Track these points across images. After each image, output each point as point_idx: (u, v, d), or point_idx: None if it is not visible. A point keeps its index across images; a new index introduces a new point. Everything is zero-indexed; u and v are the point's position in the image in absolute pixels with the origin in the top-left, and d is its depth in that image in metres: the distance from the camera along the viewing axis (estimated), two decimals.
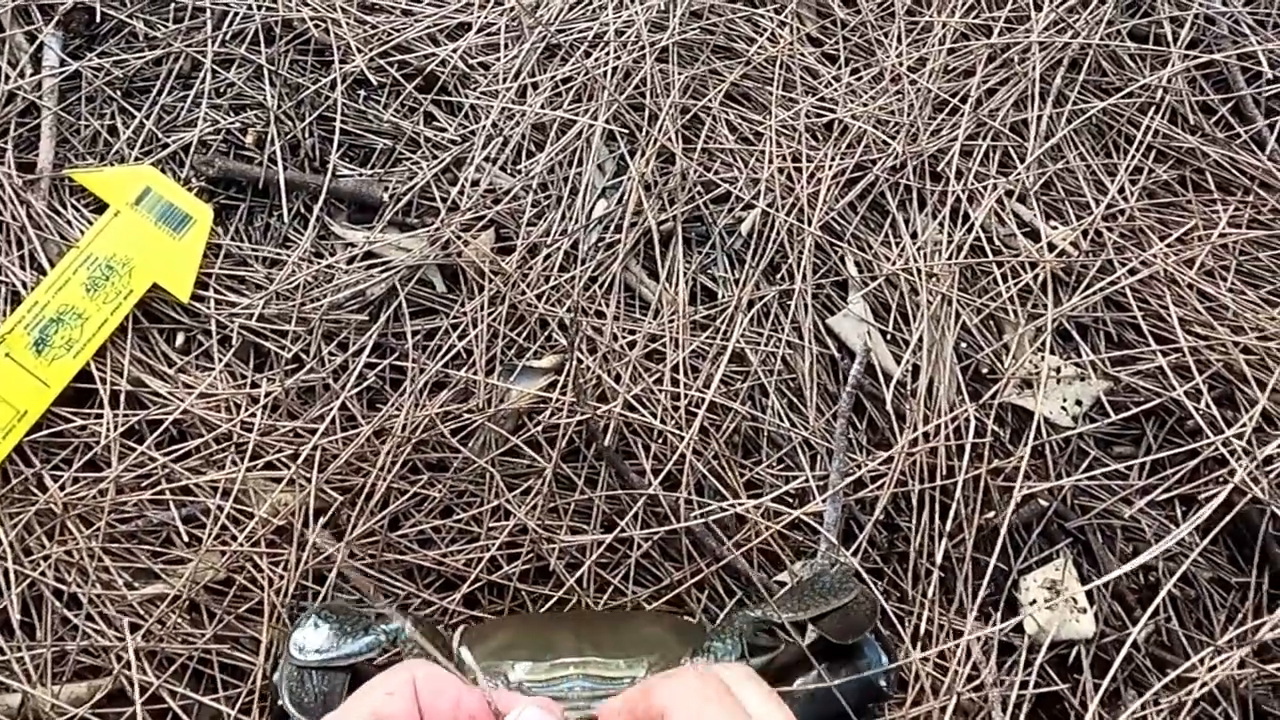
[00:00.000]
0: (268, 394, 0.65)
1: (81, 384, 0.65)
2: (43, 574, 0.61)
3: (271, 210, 0.71)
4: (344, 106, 0.73)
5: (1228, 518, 0.64)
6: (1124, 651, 0.61)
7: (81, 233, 0.69)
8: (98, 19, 0.75)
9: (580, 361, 0.66)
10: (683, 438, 0.64)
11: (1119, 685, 0.62)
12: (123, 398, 0.65)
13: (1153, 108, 0.75)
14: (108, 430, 0.64)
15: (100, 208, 0.70)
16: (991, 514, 0.64)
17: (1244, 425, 0.65)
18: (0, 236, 0.68)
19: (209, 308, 0.67)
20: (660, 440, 0.65)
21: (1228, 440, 0.65)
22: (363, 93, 0.74)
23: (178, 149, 0.72)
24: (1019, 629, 0.62)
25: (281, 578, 0.62)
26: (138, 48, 0.75)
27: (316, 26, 0.75)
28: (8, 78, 0.72)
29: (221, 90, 0.74)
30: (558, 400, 0.65)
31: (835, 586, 0.51)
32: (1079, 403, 0.68)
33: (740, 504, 0.63)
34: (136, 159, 0.72)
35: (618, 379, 0.66)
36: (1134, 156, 0.74)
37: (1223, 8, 0.78)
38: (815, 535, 0.63)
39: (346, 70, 0.74)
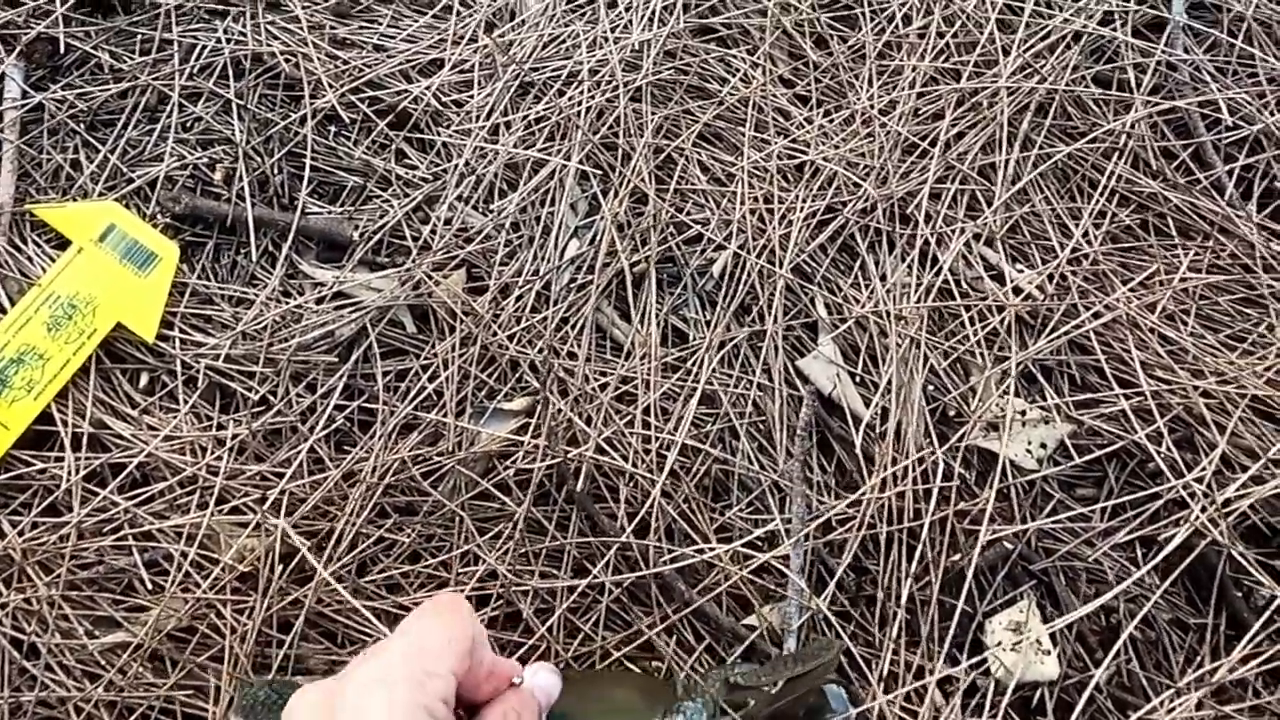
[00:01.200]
0: (234, 436, 0.64)
1: (42, 426, 0.64)
2: None
3: (239, 248, 0.70)
4: (314, 143, 0.73)
5: (1187, 560, 0.65)
6: (1087, 693, 0.62)
7: (43, 270, 0.67)
8: (61, 50, 0.74)
9: (551, 404, 0.66)
10: (654, 481, 0.64)
11: None
12: (85, 440, 0.64)
13: (1116, 153, 0.77)
14: (69, 474, 0.63)
15: (63, 244, 0.68)
16: (957, 556, 0.65)
17: (1204, 469, 0.67)
18: None
19: (174, 348, 0.66)
20: (631, 484, 0.65)
21: (1188, 483, 0.66)
22: (333, 129, 0.74)
23: (143, 184, 0.71)
24: (985, 672, 0.63)
25: (246, 625, 0.61)
26: (103, 80, 0.74)
27: (287, 61, 0.74)
28: None
29: (189, 125, 0.73)
30: (529, 443, 0.65)
31: (814, 651, 0.51)
32: (1043, 445, 0.69)
33: (710, 549, 0.63)
34: (101, 194, 0.71)
35: (589, 421, 0.66)
36: (1098, 201, 0.75)
37: (1184, 55, 0.80)
38: (784, 578, 0.64)
39: (317, 106, 0.73)
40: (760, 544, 0.65)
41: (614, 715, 0.46)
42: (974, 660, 0.64)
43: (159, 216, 0.70)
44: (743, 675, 0.51)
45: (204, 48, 0.75)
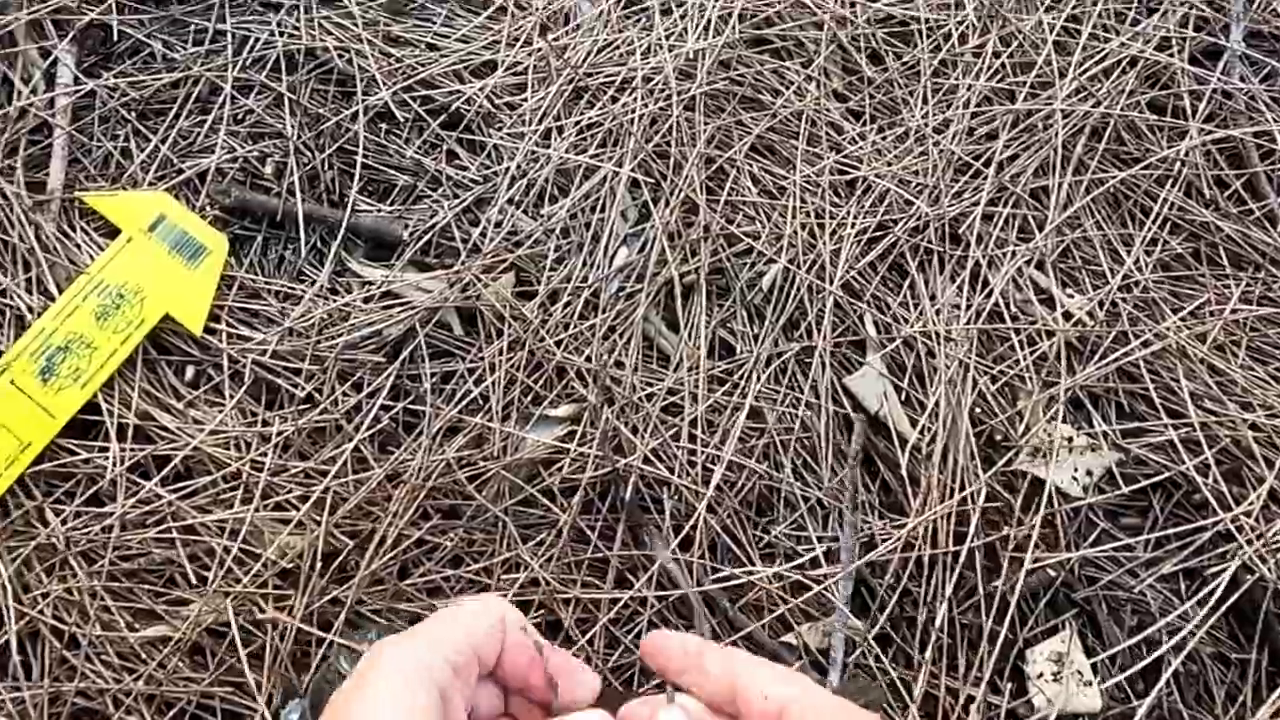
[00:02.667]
0: (279, 433, 0.64)
1: (87, 415, 0.64)
2: (41, 612, 0.60)
3: (288, 243, 0.70)
4: (365, 140, 0.72)
5: (1234, 596, 0.65)
6: None
7: (91, 258, 0.67)
8: (114, 37, 0.74)
9: (600, 412, 0.65)
10: (699, 494, 0.64)
11: None
12: (130, 431, 0.63)
13: (1169, 180, 0.76)
14: (113, 464, 0.63)
15: (112, 233, 0.68)
16: (1000, 582, 0.65)
17: (1251, 503, 0.66)
18: (6, 258, 0.66)
19: (221, 341, 0.66)
20: (676, 496, 0.65)
21: (1235, 517, 0.66)
22: (385, 126, 0.74)
23: (193, 175, 0.71)
24: (1027, 702, 0.62)
25: (286, 622, 0.61)
26: (155, 69, 0.73)
27: (340, 56, 0.74)
28: (20, 94, 0.71)
29: (240, 117, 0.73)
30: (575, 451, 0.64)
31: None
32: (1090, 473, 0.68)
33: (755, 573, 0.63)
34: (151, 184, 0.70)
35: (635, 431, 0.66)
36: (1150, 228, 0.75)
37: (1240, 84, 0.79)
38: (823, 599, 0.63)
39: (369, 103, 0.73)
40: (800, 558, 0.65)
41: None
42: (1013, 687, 0.63)
43: (208, 208, 0.70)
44: None
45: (257, 40, 0.74)
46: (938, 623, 0.63)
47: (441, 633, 0.38)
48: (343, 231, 0.69)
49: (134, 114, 0.72)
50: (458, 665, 0.37)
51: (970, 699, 0.63)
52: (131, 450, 0.63)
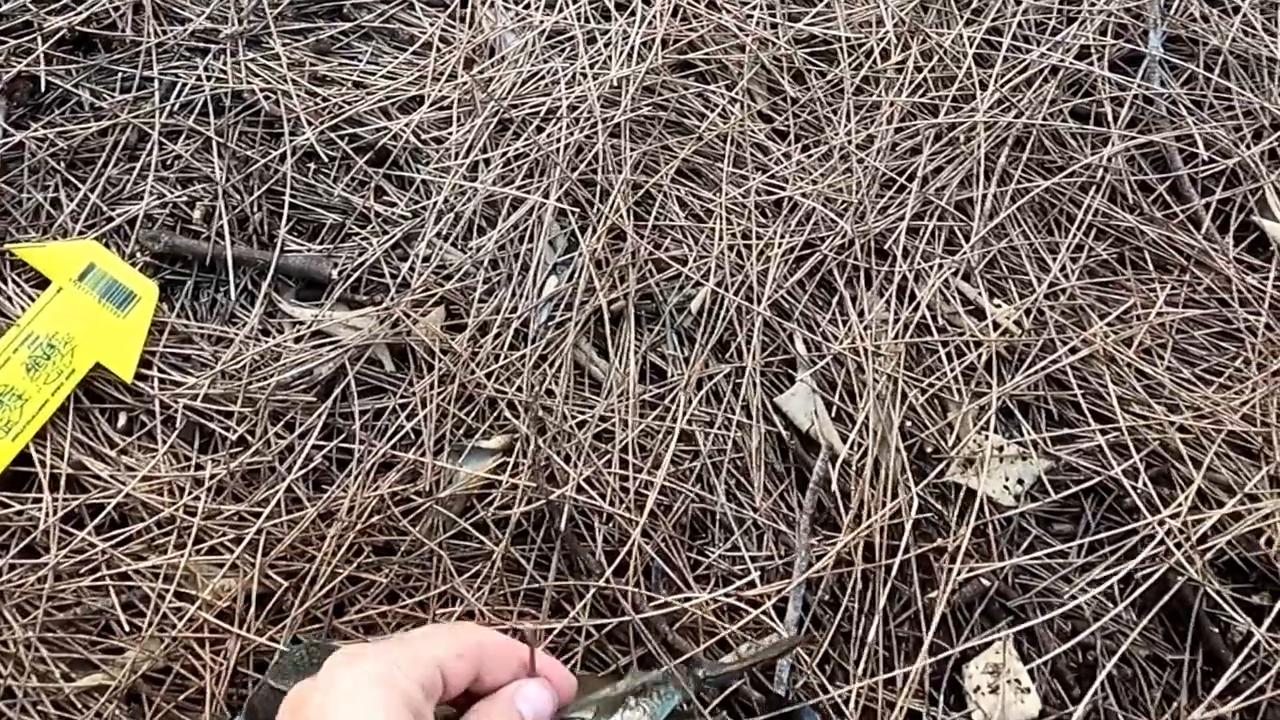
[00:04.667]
0: (212, 476, 0.65)
1: (20, 467, 0.64)
2: None
3: (218, 286, 0.71)
4: (293, 180, 0.73)
5: (1165, 598, 0.65)
6: None
7: (22, 309, 0.68)
8: (42, 88, 0.74)
9: (531, 442, 0.66)
10: (633, 520, 0.65)
11: None
12: (63, 481, 0.64)
13: (1093, 186, 0.77)
14: (47, 515, 0.63)
15: (42, 284, 0.69)
16: (934, 594, 0.65)
17: (1179, 504, 0.67)
18: None
19: (153, 388, 0.66)
20: (609, 523, 0.65)
21: (1164, 519, 0.66)
22: (313, 166, 0.74)
23: (123, 223, 0.71)
24: (967, 716, 0.63)
25: (222, 665, 0.61)
26: (83, 118, 0.74)
27: (267, 98, 0.75)
28: None
29: (169, 163, 0.73)
30: (507, 482, 0.65)
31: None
32: (1021, 481, 0.69)
33: (692, 598, 0.63)
34: (80, 233, 0.71)
35: (568, 460, 0.66)
36: (1075, 235, 0.76)
37: (1161, 89, 0.80)
38: (761, 618, 0.64)
39: (297, 143, 0.74)
40: (738, 579, 0.65)
41: (588, 699, 0.48)
42: (952, 699, 0.64)
43: (138, 255, 0.70)
44: (710, 669, 0.59)
45: (184, 85, 0.75)
46: (872, 636, 0.63)
47: (405, 651, 0.40)
48: (272, 273, 0.70)
49: (63, 164, 0.73)
50: (424, 681, 0.40)
51: (915, 714, 0.63)
52: (65, 500, 0.63)
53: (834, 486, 0.67)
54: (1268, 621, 0.65)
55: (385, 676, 0.38)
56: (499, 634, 0.46)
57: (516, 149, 0.74)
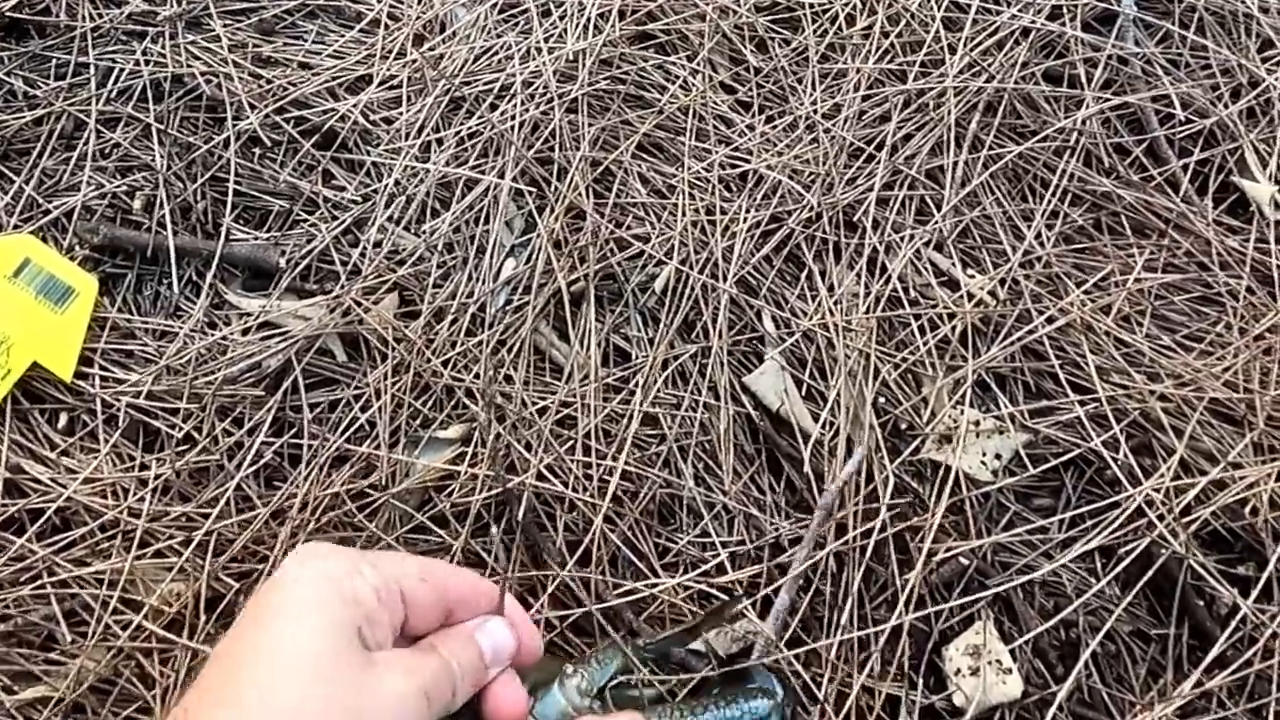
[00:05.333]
0: (157, 476, 0.62)
1: None
2: None
3: (161, 278, 0.68)
4: (238, 166, 0.70)
5: (1149, 572, 0.63)
6: (1050, 712, 0.60)
7: None
8: None
9: (490, 431, 0.63)
10: (595, 507, 0.62)
11: None
12: (0, 485, 0.61)
13: (1068, 151, 0.75)
14: None
15: None
16: (911, 574, 0.63)
17: (1162, 475, 0.65)
18: None
19: (94, 386, 0.64)
20: (572, 511, 0.63)
21: (1145, 491, 0.64)
22: (258, 151, 0.71)
23: (60, 215, 0.68)
24: (947, 698, 0.61)
25: (172, 671, 0.58)
26: (16, 107, 0.71)
27: (208, 82, 0.72)
28: None
29: (107, 151, 0.70)
30: (466, 473, 0.63)
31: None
32: (998, 456, 0.67)
33: (659, 584, 0.61)
34: (15, 227, 0.68)
35: (529, 447, 0.64)
36: (1050, 201, 0.73)
37: (1136, 49, 0.78)
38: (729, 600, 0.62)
39: (240, 128, 0.71)
40: (706, 565, 0.63)
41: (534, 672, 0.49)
42: (932, 681, 0.62)
43: (77, 248, 0.68)
44: (649, 637, 0.59)
45: (122, 70, 0.72)
46: (845, 619, 0.61)
47: (356, 555, 0.40)
48: (217, 263, 0.67)
49: None
50: (378, 585, 0.39)
51: (893, 698, 0.61)
52: (2, 505, 0.61)
53: (807, 468, 0.65)
54: (1254, 593, 0.63)
55: (338, 578, 0.36)
56: (472, 574, 0.44)
57: (470, 128, 0.71)
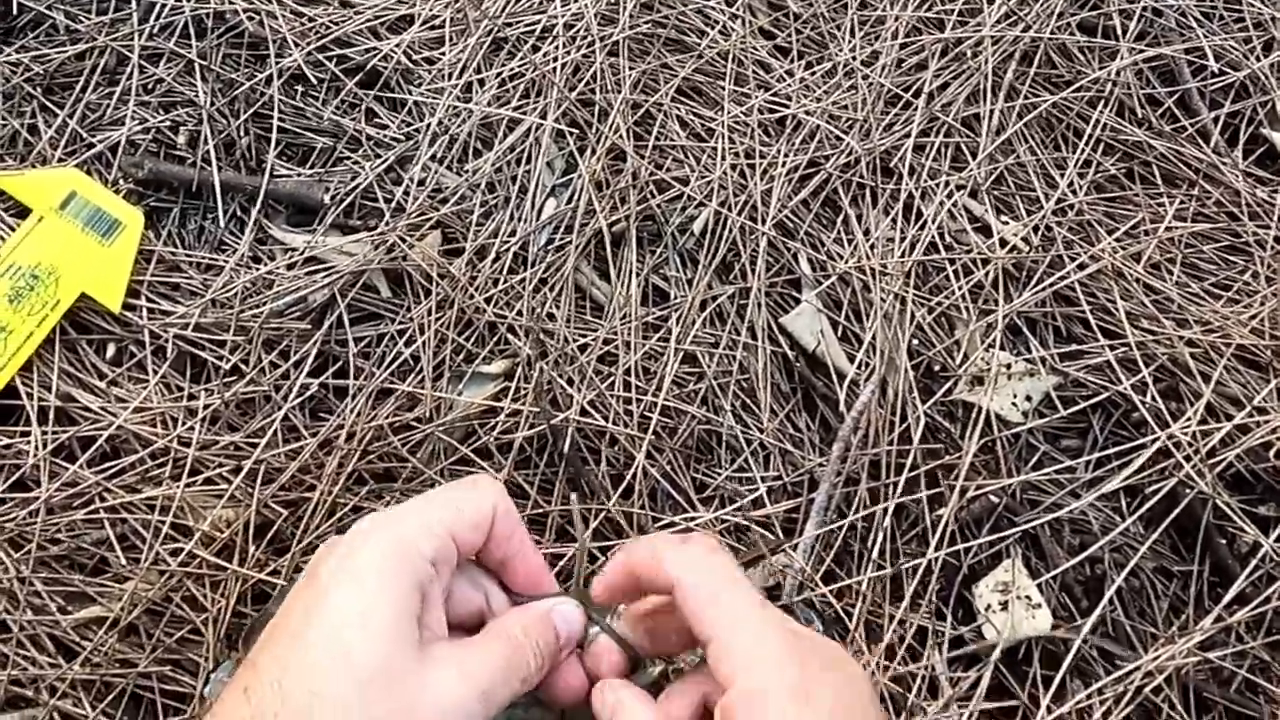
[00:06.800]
0: (206, 406, 0.63)
1: (7, 400, 0.62)
2: None
3: (206, 213, 0.68)
4: (281, 103, 0.70)
5: (1174, 511, 0.65)
6: (1075, 646, 0.62)
7: (2, 240, 0.65)
8: (14, 10, 0.71)
9: (534, 366, 0.64)
10: (637, 441, 0.64)
11: (1065, 676, 0.63)
12: (51, 414, 0.62)
13: (1101, 101, 0.76)
14: (36, 448, 0.61)
15: (22, 213, 0.66)
16: (942, 511, 0.65)
17: (1189, 418, 0.66)
18: None
19: (141, 317, 0.64)
20: (613, 445, 0.64)
21: (1172, 433, 0.66)
22: (300, 89, 0.72)
23: (104, 149, 0.69)
24: (977, 631, 0.63)
25: (223, 597, 0.60)
26: (59, 41, 0.71)
27: (250, 19, 0.72)
28: None
29: (150, 87, 0.71)
30: (509, 407, 0.64)
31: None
32: (1029, 398, 0.68)
33: (697, 517, 0.62)
34: (60, 160, 0.68)
35: (570, 383, 0.65)
36: (1083, 150, 0.74)
37: (1170, 0, 0.78)
38: (767, 537, 0.63)
39: (283, 65, 0.71)
40: (742, 499, 0.64)
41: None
42: (960, 614, 0.64)
43: (121, 182, 0.68)
44: None
45: (164, 6, 0.72)
46: (876, 553, 0.63)
47: (421, 520, 0.39)
48: (262, 198, 0.68)
49: (39, 89, 0.70)
50: (437, 558, 0.38)
51: (922, 629, 0.63)
52: (54, 433, 0.62)
53: (842, 407, 0.66)
54: (1276, 532, 0.65)
55: (403, 553, 0.37)
56: (511, 504, 0.44)
57: (512, 69, 0.72)
